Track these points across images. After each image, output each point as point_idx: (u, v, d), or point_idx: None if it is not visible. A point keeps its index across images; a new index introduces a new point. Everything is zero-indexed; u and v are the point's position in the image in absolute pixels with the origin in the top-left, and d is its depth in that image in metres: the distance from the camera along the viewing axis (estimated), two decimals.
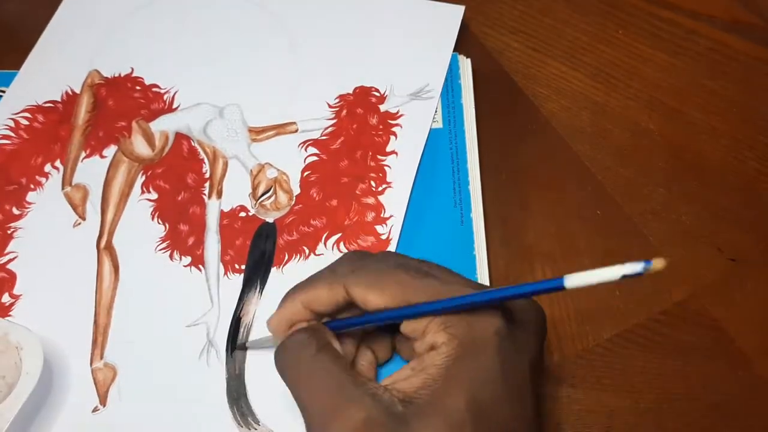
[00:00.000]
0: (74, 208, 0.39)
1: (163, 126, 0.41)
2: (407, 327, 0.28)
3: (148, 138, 0.41)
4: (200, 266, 0.37)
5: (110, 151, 0.41)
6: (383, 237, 0.37)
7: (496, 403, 0.25)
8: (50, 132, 0.41)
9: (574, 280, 0.23)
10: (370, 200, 0.38)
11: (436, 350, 0.26)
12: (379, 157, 0.39)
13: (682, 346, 0.35)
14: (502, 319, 0.26)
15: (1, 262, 0.37)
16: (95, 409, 0.33)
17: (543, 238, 0.38)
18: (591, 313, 0.36)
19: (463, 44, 0.44)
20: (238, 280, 0.36)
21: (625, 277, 0.22)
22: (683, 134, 0.41)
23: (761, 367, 0.34)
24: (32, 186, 0.40)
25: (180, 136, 0.41)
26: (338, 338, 0.29)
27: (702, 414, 0.33)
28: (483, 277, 0.36)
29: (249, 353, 0.34)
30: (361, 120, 0.41)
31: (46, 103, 0.42)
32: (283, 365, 0.28)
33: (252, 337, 0.35)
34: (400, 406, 0.25)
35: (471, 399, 0.24)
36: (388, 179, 0.39)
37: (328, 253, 0.37)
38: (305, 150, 0.40)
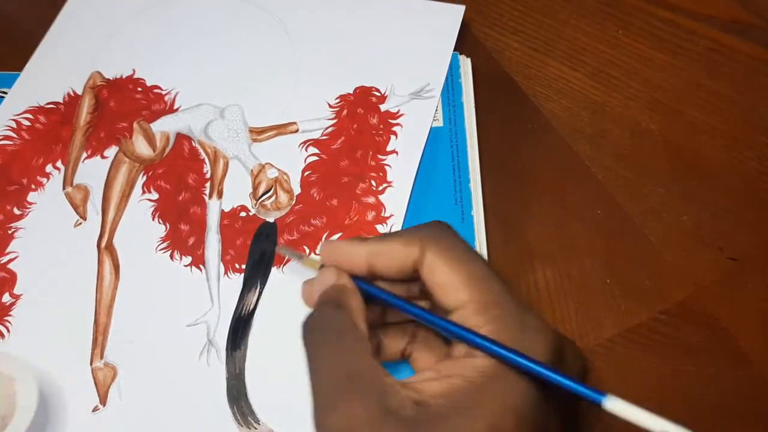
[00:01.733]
0: (75, 208, 0.39)
1: (164, 126, 0.42)
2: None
3: (149, 138, 0.41)
4: (201, 266, 0.37)
5: (111, 151, 0.41)
6: None
7: None
8: (52, 133, 0.42)
9: (614, 405, 0.22)
10: (371, 200, 0.38)
11: (471, 359, 0.24)
12: (379, 156, 0.39)
13: (683, 345, 0.35)
14: (550, 359, 0.24)
15: (2, 261, 0.37)
16: (95, 409, 0.33)
17: (543, 237, 0.38)
18: (592, 313, 0.36)
19: (463, 44, 0.44)
20: (238, 279, 0.36)
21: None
22: (683, 134, 0.41)
23: (762, 366, 0.34)
24: (33, 186, 0.40)
25: (181, 137, 0.41)
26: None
27: (703, 414, 0.33)
28: None
29: (250, 352, 0.34)
30: (362, 120, 0.41)
31: (48, 104, 0.43)
32: (305, 337, 0.26)
33: (253, 333, 0.35)
34: (410, 410, 0.23)
35: (493, 428, 0.22)
36: (388, 178, 0.39)
37: None
38: (306, 150, 0.40)
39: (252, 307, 0.35)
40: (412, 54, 0.43)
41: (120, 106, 0.42)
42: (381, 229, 0.37)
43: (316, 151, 0.40)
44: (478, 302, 0.25)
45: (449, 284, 0.25)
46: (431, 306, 0.28)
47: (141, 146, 0.41)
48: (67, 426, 0.33)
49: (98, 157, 0.41)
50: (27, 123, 0.42)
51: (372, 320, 0.28)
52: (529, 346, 0.24)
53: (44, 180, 0.40)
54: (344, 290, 0.27)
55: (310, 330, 0.26)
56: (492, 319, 0.25)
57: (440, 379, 0.24)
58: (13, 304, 0.36)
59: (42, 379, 0.32)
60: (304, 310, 0.34)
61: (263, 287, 0.36)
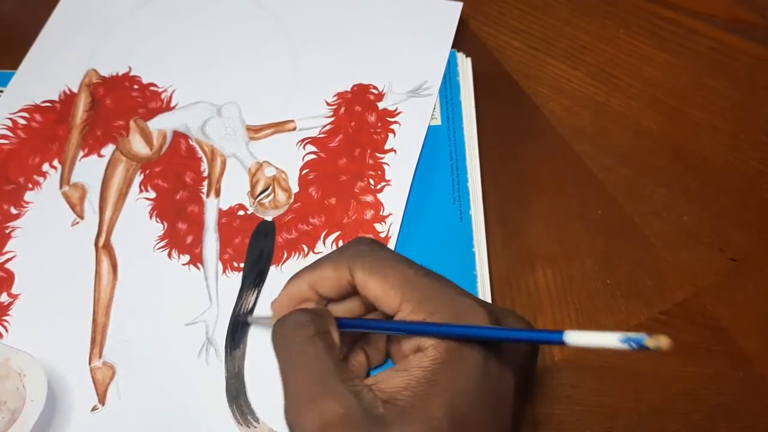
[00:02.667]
0: (72, 207, 0.39)
1: (161, 125, 0.41)
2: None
3: (146, 137, 0.41)
4: (199, 265, 0.37)
5: (108, 150, 0.41)
6: (382, 235, 0.37)
7: (474, 415, 0.25)
8: (48, 131, 0.41)
9: (574, 337, 0.22)
10: (369, 198, 0.38)
11: (422, 352, 0.26)
12: (377, 154, 0.39)
13: (683, 346, 0.35)
14: None
15: (0, 261, 0.37)
16: (94, 408, 0.33)
17: (544, 238, 0.38)
18: (592, 313, 0.36)
19: (463, 43, 0.44)
20: (236, 278, 0.36)
21: (626, 342, 0.21)
22: (684, 134, 0.41)
23: (762, 366, 0.34)
24: (30, 185, 0.39)
25: (178, 135, 0.41)
26: None
27: (704, 414, 0.33)
28: (482, 272, 0.36)
29: (249, 350, 0.34)
30: (360, 118, 0.41)
31: (44, 102, 0.42)
32: (277, 340, 0.28)
33: (252, 331, 0.35)
34: (381, 408, 0.24)
35: (450, 407, 0.24)
36: (386, 177, 0.38)
37: (327, 252, 0.36)
38: (303, 148, 0.40)
39: (251, 305, 0.35)
40: (410, 51, 0.43)
41: (116, 104, 0.42)
42: (379, 227, 0.37)
43: (314, 149, 0.40)
44: (410, 302, 0.27)
45: (381, 294, 0.27)
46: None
47: (138, 144, 0.41)
48: (68, 424, 0.32)
49: (95, 155, 0.40)
50: (23, 122, 0.42)
51: (352, 340, 0.31)
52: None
53: (41, 179, 0.40)
54: (322, 308, 0.29)
55: (286, 326, 0.28)
56: (428, 313, 0.26)
57: (400, 374, 0.26)
58: (11, 303, 0.36)
59: (50, 374, 0.32)
60: None
61: (262, 285, 0.36)
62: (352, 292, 0.29)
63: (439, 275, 0.28)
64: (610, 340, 0.21)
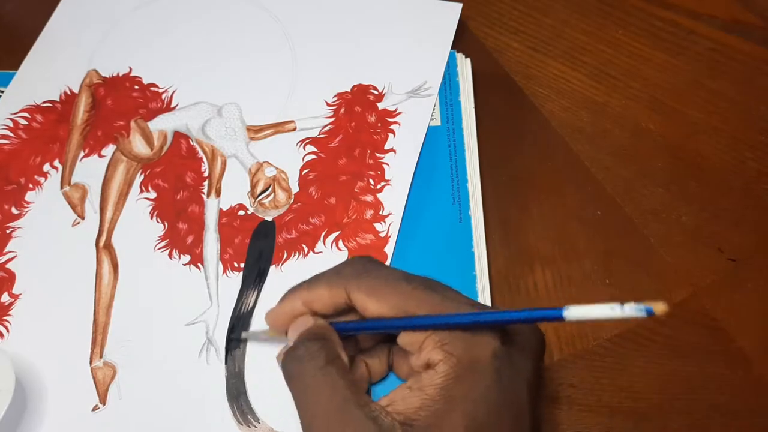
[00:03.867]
0: (73, 207, 0.39)
1: (161, 125, 0.41)
2: (404, 339, 0.28)
3: (147, 137, 0.41)
4: (199, 265, 0.37)
5: (109, 150, 0.41)
6: (382, 235, 0.37)
7: (494, 425, 0.25)
8: (49, 132, 0.41)
9: (574, 312, 0.23)
10: (369, 198, 0.38)
11: (433, 369, 0.26)
12: (377, 155, 0.39)
13: (682, 346, 0.35)
14: (500, 339, 0.26)
15: (1, 261, 0.37)
16: (95, 408, 0.33)
17: (543, 238, 0.38)
18: None
19: (463, 44, 0.44)
20: (237, 278, 0.36)
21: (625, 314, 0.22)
22: (683, 134, 0.41)
23: (761, 367, 0.34)
24: (31, 186, 0.40)
25: (178, 135, 0.41)
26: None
27: (702, 414, 0.33)
28: (482, 272, 0.36)
29: (249, 351, 0.34)
30: (360, 118, 0.41)
31: (44, 102, 0.42)
32: (289, 374, 0.28)
33: (252, 331, 0.35)
34: (400, 430, 0.24)
35: (470, 420, 0.24)
36: (386, 177, 0.39)
37: (327, 251, 0.37)
38: (304, 148, 0.40)
39: (251, 305, 0.35)
40: (410, 52, 0.43)
41: (117, 104, 0.42)
42: (379, 227, 0.37)
43: (314, 149, 0.40)
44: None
45: (381, 314, 0.27)
46: None
47: (138, 145, 0.41)
48: (69, 424, 0.33)
49: (96, 155, 0.41)
50: (24, 122, 0.42)
51: (354, 353, 0.31)
52: (477, 338, 0.26)
53: (42, 179, 0.40)
54: (324, 327, 0.29)
55: (296, 360, 0.28)
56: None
57: (414, 394, 0.26)
58: (12, 303, 0.36)
59: (19, 365, 0.32)
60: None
61: (262, 285, 0.36)
62: (348, 310, 0.29)
63: (439, 284, 0.28)
64: (609, 311, 0.22)
